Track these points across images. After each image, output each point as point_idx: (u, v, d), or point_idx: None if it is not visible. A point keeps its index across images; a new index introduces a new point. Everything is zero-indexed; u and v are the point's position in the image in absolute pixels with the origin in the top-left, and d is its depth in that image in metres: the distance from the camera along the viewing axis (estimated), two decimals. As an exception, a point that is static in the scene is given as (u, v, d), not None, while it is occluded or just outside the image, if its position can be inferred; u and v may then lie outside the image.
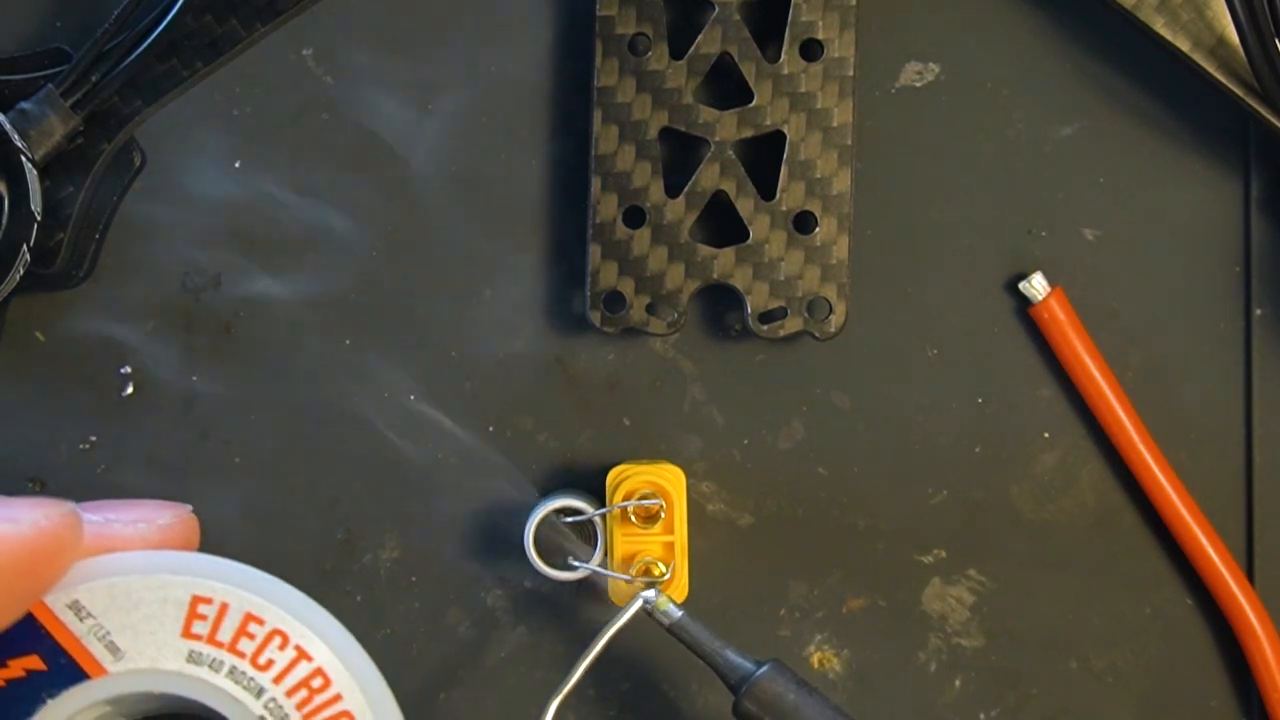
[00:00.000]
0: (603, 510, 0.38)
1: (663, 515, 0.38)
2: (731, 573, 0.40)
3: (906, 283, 0.40)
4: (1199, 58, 0.38)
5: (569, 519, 0.38)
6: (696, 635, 0.36)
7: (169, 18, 0.37)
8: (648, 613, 0.36)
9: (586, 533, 0.39)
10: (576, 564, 0.38)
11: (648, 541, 0.38)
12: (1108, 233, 0.40)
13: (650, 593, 0.36)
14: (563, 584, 0.40)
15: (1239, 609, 0.39)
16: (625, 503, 0.38)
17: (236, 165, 0.41)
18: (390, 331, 0.40)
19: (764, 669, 0.35)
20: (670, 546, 0.38)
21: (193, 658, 0.33)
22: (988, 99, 0.40)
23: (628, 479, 0.38)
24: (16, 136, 0.37)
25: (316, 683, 0.34)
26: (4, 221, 0.36)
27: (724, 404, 0.40)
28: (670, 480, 0.38)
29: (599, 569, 0.38)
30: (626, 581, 0.38)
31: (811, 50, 0.39)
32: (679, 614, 0.36)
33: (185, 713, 0.35)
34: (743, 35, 0.39)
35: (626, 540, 0.38)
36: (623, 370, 0.40)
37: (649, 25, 0.39)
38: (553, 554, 0.38)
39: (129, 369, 0.41)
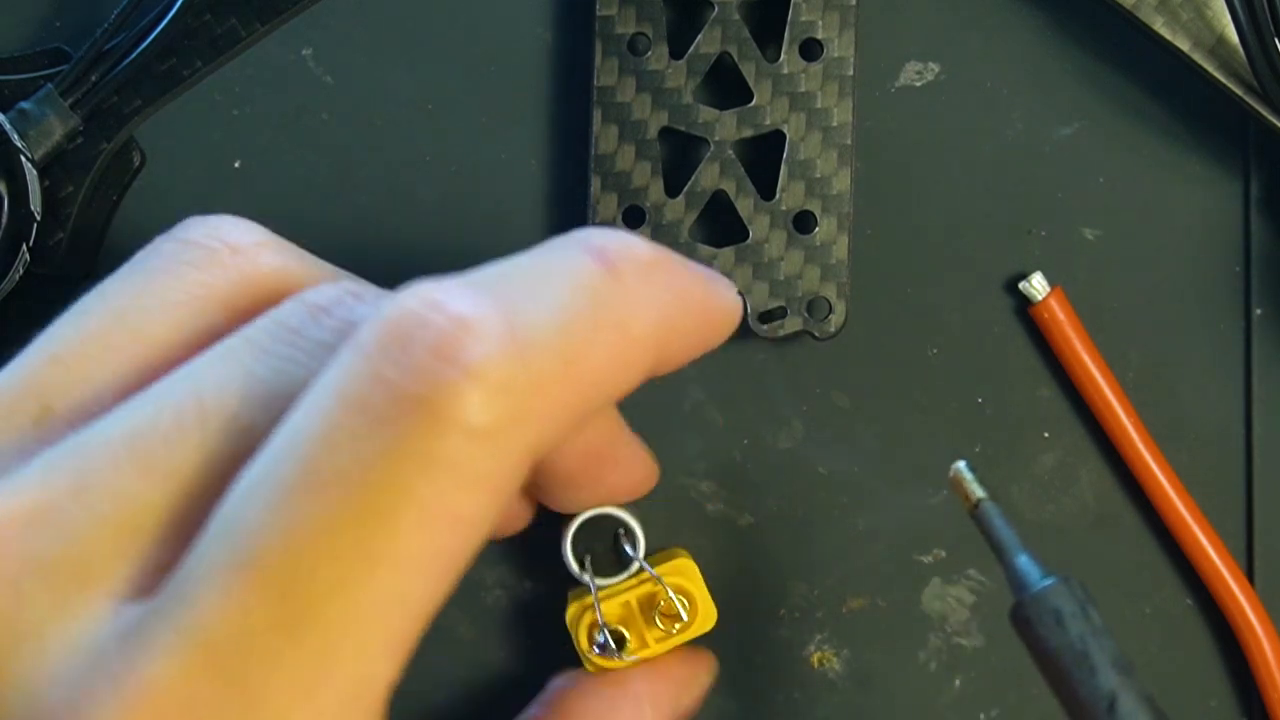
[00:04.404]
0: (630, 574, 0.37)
1: (684, 610, 0.37)
2: (731, 573, 0.40)
3: (906, 283, 0.40)
4: (1199, 57, 0.38)
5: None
6: (995, 526, 0.33)
7: (169, 18, 0.37)
8: (955, 480, 0.33)
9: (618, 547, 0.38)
10: (632, 555, 0.37)
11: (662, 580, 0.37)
12: (1108, 233, 0.40)
13: (961, 464, 0.33)
14: (563, 585, 0.39)
15: (1239, 609, 0.39)
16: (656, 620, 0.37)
17: (236, 165, 0.41)
18: (390, 331, 0.40)
19: (1049, 583, 0.31)
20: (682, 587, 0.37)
21: None
22: (988, 99, 0.40)
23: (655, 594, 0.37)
24: (16, 136, 0.37)
25: None
26: (3, 221, 0.36)
27: (724, 404, 0.40)
28: (686, 574, 0.37)
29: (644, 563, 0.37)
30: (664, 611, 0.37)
31: (811, 50, 0.39)
32: (983, 494, 0.33)
33: None
34: (742, 35, 0.39)
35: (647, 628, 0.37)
36: (623, 370, 0.40)
37: (649, 25, 0.39)
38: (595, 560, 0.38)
39: (129, 369, 0.40)
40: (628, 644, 0.36)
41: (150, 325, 0.27)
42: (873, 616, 0.40)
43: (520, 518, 0.36)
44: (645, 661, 0.36)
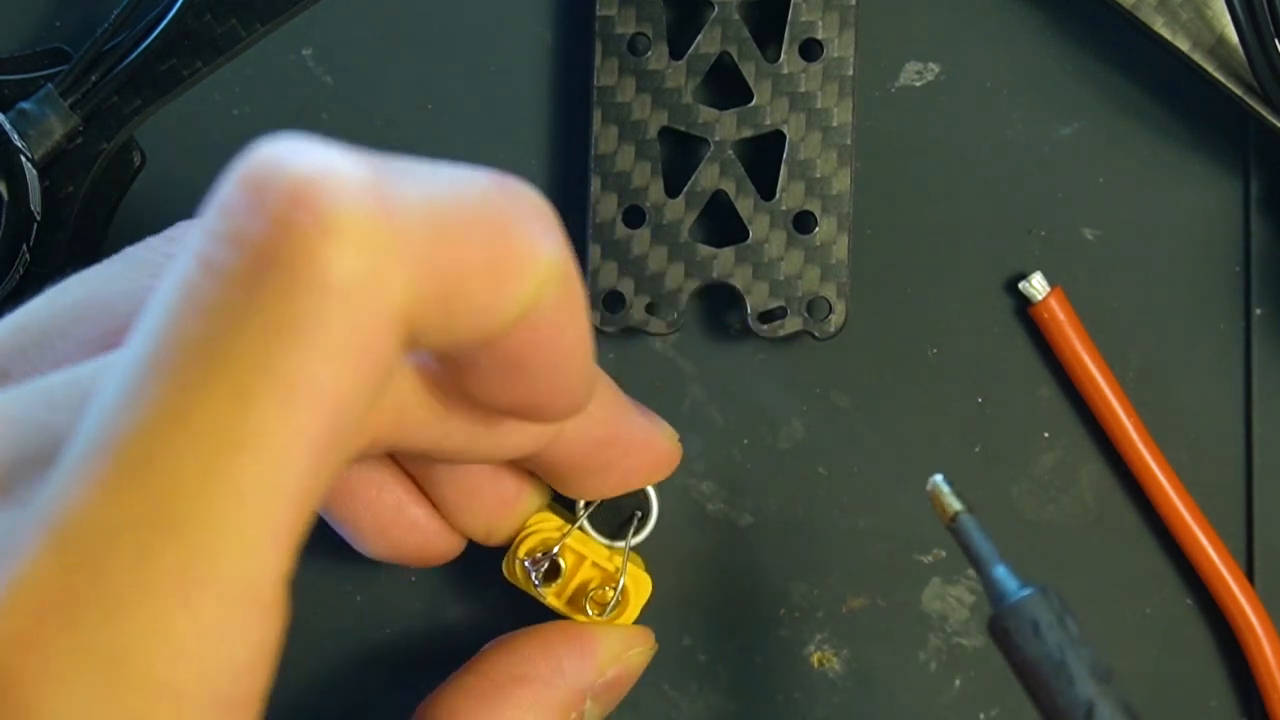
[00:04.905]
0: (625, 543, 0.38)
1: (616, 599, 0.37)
2: (731, 573, 0.40)
3: (906, 283, 0.40)
4: (1199, 57, 0.38)
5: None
6: (973, 539, 0.32)
7: (169, 18, 0.37)
8: (932, 495, 0.33)
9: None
10: (624, 539, 0.38)
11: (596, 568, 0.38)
12: (1108, 233, 0.40)
13: (938, 477, 0.33)
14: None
15: (1239, 609, 0.39)
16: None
17: (236, 165, 0.41)
18: (390, 331, 0.40)
19: (1027, 593, 0.31)
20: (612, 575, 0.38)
21: None
22: (988, 99, 0.40)
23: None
24: (16, 136, 0.37)
25: None
26: (3, 222, 0.36)
27: (724, 404, 0.40)
28: (639, 591, 0.38)
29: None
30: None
31: (811, 50, 0.39)
32: (960, 507, 0.32)
33: None
34: (742, 35, 0.39)
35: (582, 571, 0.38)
36: (623, 370, 0.40)
37: (649, 25, 0.39)
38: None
39: (129, 369, 0.40)
40: (554, 581, 0.37)
41: (121, 305, 0.26)
42: (873, 616, 0.40)
43: (447, 543, 0.36)
44: (545, 601, 0.37)
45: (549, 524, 0.37)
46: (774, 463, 0.40)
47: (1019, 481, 0.40)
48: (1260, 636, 0.39)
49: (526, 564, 0.37)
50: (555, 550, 0.37)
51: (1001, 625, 0.31)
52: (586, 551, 0.37)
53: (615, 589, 0.37)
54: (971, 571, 0.40)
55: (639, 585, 0.37)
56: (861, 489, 0.40)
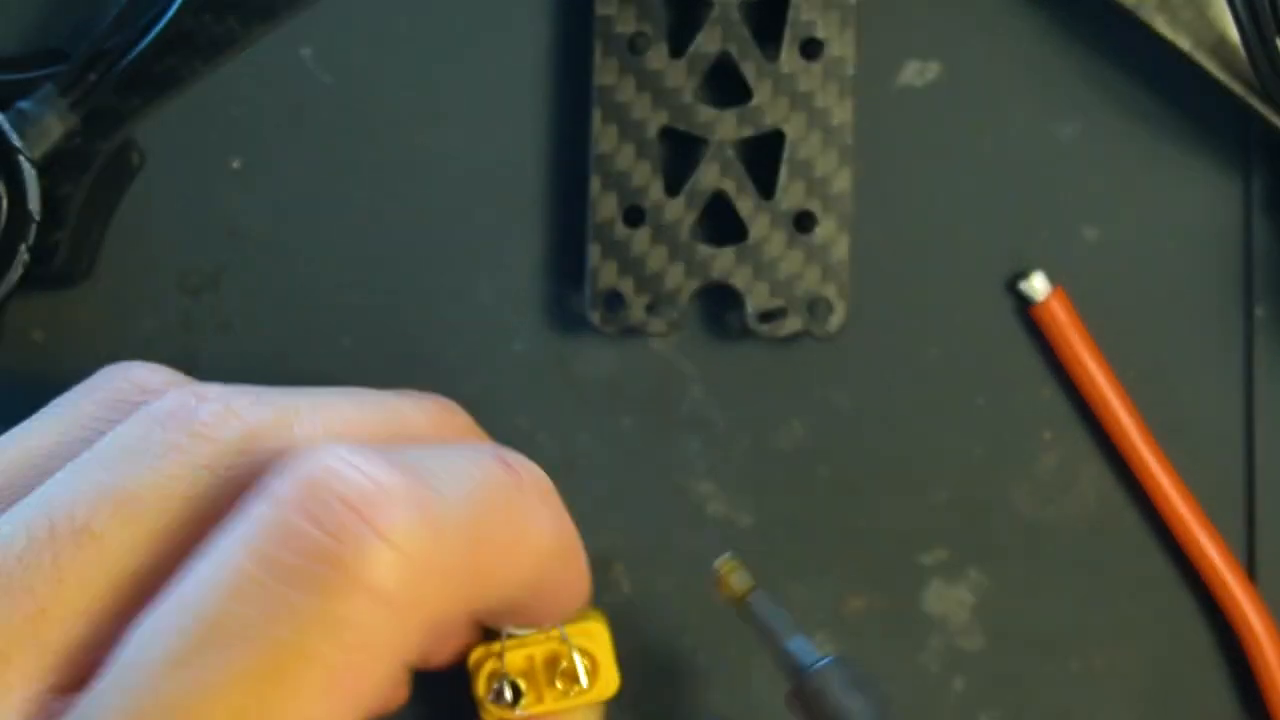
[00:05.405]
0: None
1: (581, 673, 0.36)
2: (731, 573, 0.40)
3: (906, 283, 0.40)
4: (1200, 57, 0.38)
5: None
6: (766, 616, 0.35)
7: (167, 17, 0.37)
8: (721, 575, 0.35)
9: None
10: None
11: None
12: (1108, 233, 0.40)
13: (727, 555, 0.35)
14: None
15: (1239, 609, 0.39)
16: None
17: (236, 165, 0.41)
18: (388, 332, 0.40)
19: (823, 663, 0.33)
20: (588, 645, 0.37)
21: None
22: (988, 99, 0.40)
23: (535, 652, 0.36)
24: (15, 136, 0.37)
25: None
26: (2, 221, 0.36)
27: (724, 404, 0.40)
28: (595, 638, 0.37)
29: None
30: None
31: (811, 49, 0.39)
32: (750, 584, 0.35)
33: None
34: (742, 34, 0.39)
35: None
36: (623, 370, 0.40)
37: (648, 24, 0.39)
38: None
39: (128, 369, 0.40)
40: (524, 698, 0.36)
41: (50, 463, 0.27)
42: (873, 616, 0.40)
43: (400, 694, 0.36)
44: (537, 717, 0.36)
45: (487, 652, 0.36)
46: (774, 463, 0.40)
47: (1019, 481, 0.40)
48: (1260, 636, 0.39)
49: (492, 699, 0.36)
50: (503, 672, 0.36)
51: (805, 689, 0.33)
52: (526, 647, 0.36)
53: (571, 657, 0.36)
54: (972, 572, 0.40)
55: (593, 636, 0.36)
56: (861, 489, 0.40)
